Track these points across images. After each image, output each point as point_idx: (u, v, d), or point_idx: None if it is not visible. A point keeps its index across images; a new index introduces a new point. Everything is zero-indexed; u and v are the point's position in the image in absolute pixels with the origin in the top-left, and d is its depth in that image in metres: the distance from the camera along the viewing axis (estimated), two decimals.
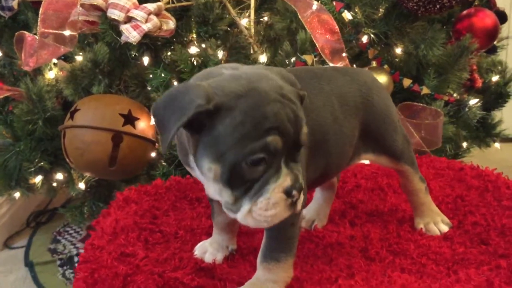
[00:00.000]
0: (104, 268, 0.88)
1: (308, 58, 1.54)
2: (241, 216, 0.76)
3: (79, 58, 1.51)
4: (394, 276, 0.93)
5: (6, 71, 1.65)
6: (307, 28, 1.51)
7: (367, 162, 1.32)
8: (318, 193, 1.20)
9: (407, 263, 0.99)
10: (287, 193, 0.75)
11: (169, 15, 1.48)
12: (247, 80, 0.75)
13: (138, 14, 1.40)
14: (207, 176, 0.77)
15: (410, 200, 1.17)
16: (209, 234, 1.06)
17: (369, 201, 1.27)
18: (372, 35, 1.65)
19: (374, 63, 1.69)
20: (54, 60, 1.58)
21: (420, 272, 0.96)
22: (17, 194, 1.72)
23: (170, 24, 1.45)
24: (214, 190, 0.79)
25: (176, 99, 0.73)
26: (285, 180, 0.75)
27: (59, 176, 1.62)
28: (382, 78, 1.66)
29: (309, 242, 1.09)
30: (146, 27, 1.39)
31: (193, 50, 1.54)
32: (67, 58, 1.57)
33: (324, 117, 0.96)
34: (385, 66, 1.69)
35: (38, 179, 1.62)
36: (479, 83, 1.92)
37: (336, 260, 1.01)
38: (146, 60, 1.50)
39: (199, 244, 1.04)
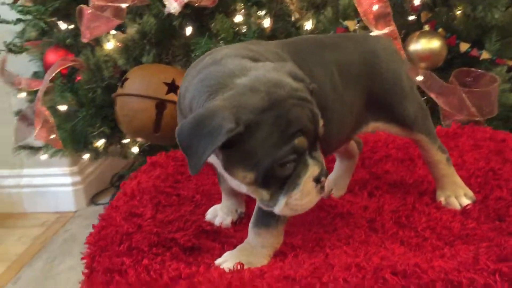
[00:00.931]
0: (112, 226, 0.97)
1: (350, 24, 1.51)
2: (279, 209, 0.84)
3: (130, 30, 1.60)
4: (389, 248, 0.92)
5: (73, 42, 1.78)
6: None
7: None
8: (338, 163, 1.20)
9: (409, 236, 0.98)
10: (317, 180, 0.83)
11: None
12: (265, 92, 0.80)
13: None
14: (241, 181, 0.84)
15: (432, 172, 1.14)
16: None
17: (395, 172, 1.24)
18: None
19: (426, 27, 1.60)
20: (113, 32, 1.69)
21: (419, 245, 0.94)
22: (86, 156, 1.89)
23: None
24: (248, 190, 0.86)
25: (203, 125, 0.77)
26: (314, 170, 0.83)
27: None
28: (435, 43, 1.58)
29: (320, 210, 1.11)
30: None
31: (238, 18, 1.58)
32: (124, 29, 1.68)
33: (323, 86, 0.96)
34: (440, 30, 1.60)
35: (100, 142, 1.77)
36: None
37: (340, 229, 1.02)
38: (189, 30, 1.55)
39: (211, 208, 1.10)
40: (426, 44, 1.57)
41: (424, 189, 1.16)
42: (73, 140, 1.80)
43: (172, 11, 1.45)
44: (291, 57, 0.94)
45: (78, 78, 1.80)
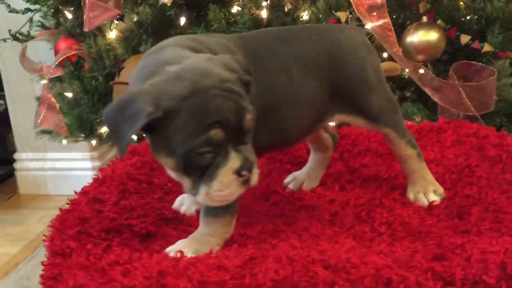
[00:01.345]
0: (75, 210, 1.01)
1: (342, 15, 1.49)
2: (201, 198, 0.86)
3: (128, 20, 1.64)
4: (340, 242, 0.92)
5: (78, 31, 1.85)
6: None
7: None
8: (311, 155, 1.20)
9: (363, 231, 0.97)
10: (238, 173, 0.83)
11: None
12: (189, 81, 0.81)
13: None
14: (166, 167, 0.87)
15: (402, 167, 1.13)
16: None
17: (373, 166, 1.23)
18: None
19: (425, 18, 1.56)
20: (116, 22, 1.74)
21: (371, 240, 0.94)
22: (93, 142, 1.96)
23: None
24: (174, 176, 0.89)
25: (125, 108, 0.80)
26: (234, 163, 0.83)
27: None
28: (432, 35, 1.54)
29: (287, 203, 1.12)
30: None
31: (235, 9, 1.59)
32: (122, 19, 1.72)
33: (277, 81, 0.96)
34: (439, 22, 1.56)
35: (103, 129, 1.83)
36: None
37: (299, 222, 1.03)
38: (183, 20, 1.58)
39: (179, 197, 1.13)
40: (424, 36, 1.53)
41: (397, 184, 1.15)
42: (79, 126, 1.86)
43: (165, 1, 1.47)
44: (244, 50, 0.95)
45: (85, 66, 1.86)
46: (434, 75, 1.50)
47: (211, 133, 0.80)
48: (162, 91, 0.80)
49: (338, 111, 1.05)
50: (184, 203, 1.11)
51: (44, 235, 0.99)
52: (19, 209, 2.53)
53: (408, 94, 1.66)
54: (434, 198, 1.07)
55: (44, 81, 2.18)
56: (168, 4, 1.49)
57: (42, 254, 2.02)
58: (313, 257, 0.81)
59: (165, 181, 1.18)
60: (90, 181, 2.69)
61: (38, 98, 2.16)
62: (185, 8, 1.57)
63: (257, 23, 1.58)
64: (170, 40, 0.91)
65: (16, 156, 2.65)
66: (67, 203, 1.08)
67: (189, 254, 0.89)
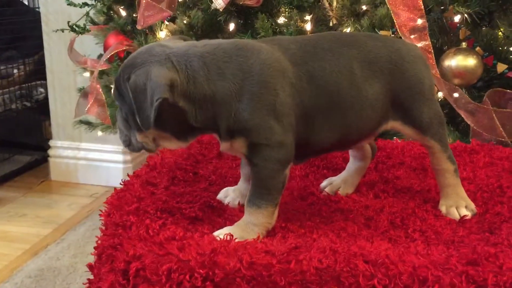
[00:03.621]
0: (129, 190, 1.08)
1: (385, 34, 1.56)
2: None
3: (180, 22, 1.73)
4: (376, 242, 0.98)
5: (131, 29, 1.94)
6: (387, 4, 1.52)
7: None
8: (350, 163, 1.27)
9: (398, 236, 1.03)
10: None
11: None
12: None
13: None
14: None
15: (438, 180, 1.18)
16: (238, 183, 1.21)
17: (406, 179, 1.29)
18: (465, 15, 1.59)
19: (464, 44, 1.63)
20: (166, 22, 1.83)
21: (404, 244, 0.99)
22: None
23: None
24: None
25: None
26: None
27: None
28: (470, 61, 1.60)
29: (323, 204, 1.18)
30: None
31: (281, 20, 1.67)
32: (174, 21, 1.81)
33: (337, 81, 1.02)
34: (477, 48, 1.62)
35: None
36: None
37: (336, 222, 1.09)
38: (232, 26, 1.66)
39: (224, 189, 1.19)
40: (462, 61, 1.59)
41: (430, 198, 1.21)
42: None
43: (218, 7, 1.56)
44: (303, 51, 1.02)
45: None
46: (469, 99, 1.56)
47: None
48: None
49: (392, 118, 1.10)
50: (228, 195, 1.17)
51: (100, 210, 1.06)
52: (49, 194, 2.62)
53: None
54: (466, 213, 1.12)
55: (87, 74, 2.29)
56: (220, 10, 1.57)
57: (71, 238, 2.12)
58: (355, 251, 0.87)
59: (209, 173, 1.25)
60: (120, 174, 2.77)
61: (80, 89, 2.26)
62: (235, 14, 1.66)
63: (301, 34, 1.66)
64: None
65: (51, 143, 2.75)
66: (120, 184, 1.15)
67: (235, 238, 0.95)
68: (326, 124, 1.04)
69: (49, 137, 2.82)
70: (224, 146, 1.01)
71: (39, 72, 2.85)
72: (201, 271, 0.82)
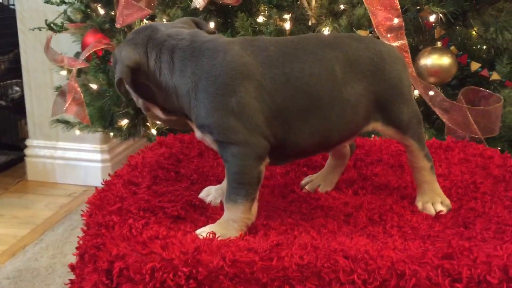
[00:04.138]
0: (111, 190, 1.09)
1: (363, 34, 1.59)
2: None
3: (160, 20, 1.73)
4: (355, 239, 1.00)
5: (109, 27, 1.93)
6: (365, 3, 1.55)
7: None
8: (329, 161, 1.29)
9: (376, 231, 1.05)
10: None
11: None
12: None
13: None
14: None
15: (414, 178, 1.21)
16: (219, 182, 1.22)
17: (383, 176, 1.32)
18: (440, 15, 1.62)
19: (439, 44, 1.67)
20: (146, 21, 1.82)
21: (382, 240, 1.02)
22: (111, 134, 2.04)
23: None
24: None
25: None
26: None
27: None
28: (445, 60, 1.64)
29: (303, 202, 1.20)
30: None
31: (260, 19, 1.68)
32: (154, 19, 1.81)
33: (316, 83, 1.03)
34: (452, 48, 1.66)
35: (124, 122, 1.91)
36: None
37: (316, 219, 1.11)
38: (211, 25, 1.67)
39: (206, 188, 1.20)
40: (437, 59, 1.63)
41: (406, 194, 1.23)
42: (100, 117, 1.94)
43: (197, 6, 1.56)
44: (282, 53, 1.04)
45: (111, 60, 1.94)
46: (444, 97, 1.60)
47: None
48: None
49: (374, 119, 1.12)
50: (210, 194, 1.18)
51: (82, 210, 1.07)
52: (26, 194, 2.60)
53: None
54: (441, 208, 1.16)
55: (64, 72, 2.27)
56: (200, 9, 1.58)
57: (49, 238, 2.11)
58: (335, 247, 0.89)
59: (191, 172, 1.26)
60: (98, 173, 2.75)
61: (57, 88, 2.24)
62: (214, 13, 1.66)
63: (281, 33, 1.67)
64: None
65: (27, 142, 2.72)
66: (102, 184, 1.15)
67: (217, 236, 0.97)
68: (305, 126, 1.05)
69: (25, 136, 2.79)
70: (197, 134, 1.08)
71: (14, 71, 2.81)
72: (184, 269, 0.83)
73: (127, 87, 1.07)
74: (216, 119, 1.00)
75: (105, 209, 1.00)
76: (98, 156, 2.67)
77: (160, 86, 1.03)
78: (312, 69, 1.05)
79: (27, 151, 2.73)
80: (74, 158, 2.68)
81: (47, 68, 2.54)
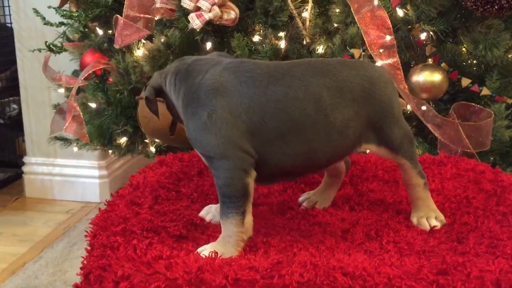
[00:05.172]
0: (114, 211, 1.11)
1: (356, 52, 1.63)
2: None
3: (158, 40, 1.77)
4: (352, 255, 1.04)
5: (108, 47, 1.97)
6: (358, 23, 1.59)
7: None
8: (325, 178, 1.32)
9: (373, 247, 1.08)
10: None
11: (233, 6, 1.67)
12: None
13: (203, 4, 1.61)
14: None
15: (409, 194, 1.24)
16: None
17: (379, 191, 1.35)
18: (431, 32, 1.67)
19: (430, 61, 1.71)
20: (143, 41, 1.86)
21: (379, 255, 1.05)
22: (110, 151, 2.07)
23: (231, 14, 1.64)
24: None
25: None
26: None
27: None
28: (436, 76, 1.68)
29: (302, 219, 1.23)
30: (207, 16, 1.59)
31: (256, 38, 1.72)
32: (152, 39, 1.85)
33: (300, 107, 1.07)
34: (443, 64, 1.70)
35: (123, 140, 1.94)
36: None
37: (314, 236, 1.14)
38: (208, 45, 1.71)
39: (206, 207, 1.23)
40: (428, 76, 1.68)
41: (401, 209, 1.27)
42: (99, 135, 1.97)
43: (195, 27, 1.60)
44: (268, 76, 1.08)
45: (110, 79, 1.98)
46: (436, 113, 1.64)
47: None
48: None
49: (365, 141, 1.15)
50: (210, 212, 1.21)
51: (86, 231, 1.09)
52: (25, 211, 2.61)
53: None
54: (436, 223, 1.19)
55: (62, 90, 2.30)
56: (197, 30, 1.62)
57: (49, 256, 2.13)
58: (334, 264, 0.92)
59: (191, 191, 1.29)
60: (96, 189, 2.77)
61: (55, 106, 2.27)
62: (211, 34, 1.70)
63: (276, 52, 1.72)
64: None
65: (25, 159, 2.74)
66: (105, 204, 1.18)
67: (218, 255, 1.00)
68: (287, 148, 1.08)
69: (22, 153, 2.80)
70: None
71: (11, 88, 2.84)
72: None
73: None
74: (193, 131, 1.07)
75: (109, 230, 1.02)
76: (96, 172, 2.69)
77: (173, 105, 1.14)
78: (296, 93, 1.08)
79: (25, 168, 2.74)
80: (72, 175, 2.70)
81: (44, 86, 2.57)
